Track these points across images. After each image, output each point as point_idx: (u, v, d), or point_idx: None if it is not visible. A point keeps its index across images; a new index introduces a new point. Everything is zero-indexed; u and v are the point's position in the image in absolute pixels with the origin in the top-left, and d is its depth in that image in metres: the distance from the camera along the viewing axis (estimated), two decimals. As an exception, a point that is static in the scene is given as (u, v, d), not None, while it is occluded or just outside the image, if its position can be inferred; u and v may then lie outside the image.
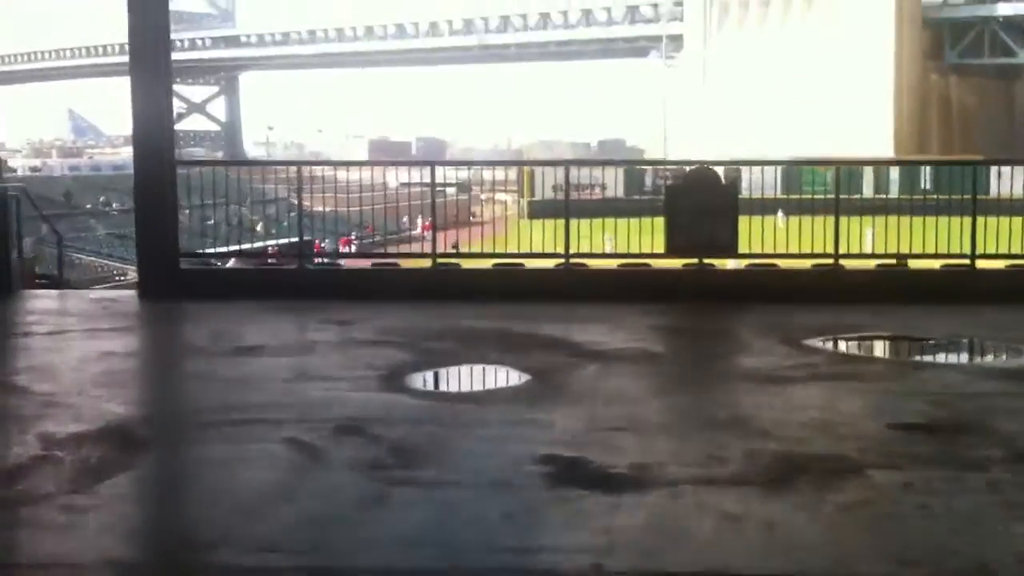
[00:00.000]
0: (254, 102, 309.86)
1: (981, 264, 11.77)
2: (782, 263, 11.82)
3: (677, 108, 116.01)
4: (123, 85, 11.67)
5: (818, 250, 11.77)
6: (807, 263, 11.82)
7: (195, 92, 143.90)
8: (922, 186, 73.07)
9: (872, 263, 11.90)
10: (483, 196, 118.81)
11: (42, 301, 11.25)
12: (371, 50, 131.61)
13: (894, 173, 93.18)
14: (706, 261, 11.69)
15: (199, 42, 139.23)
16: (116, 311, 10.61)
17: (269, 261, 12.19)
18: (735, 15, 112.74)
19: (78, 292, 12.33)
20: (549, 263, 11.94)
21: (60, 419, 6.17)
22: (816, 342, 8.88)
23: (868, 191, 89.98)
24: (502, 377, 7.74)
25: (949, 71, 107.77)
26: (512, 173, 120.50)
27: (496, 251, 12.11)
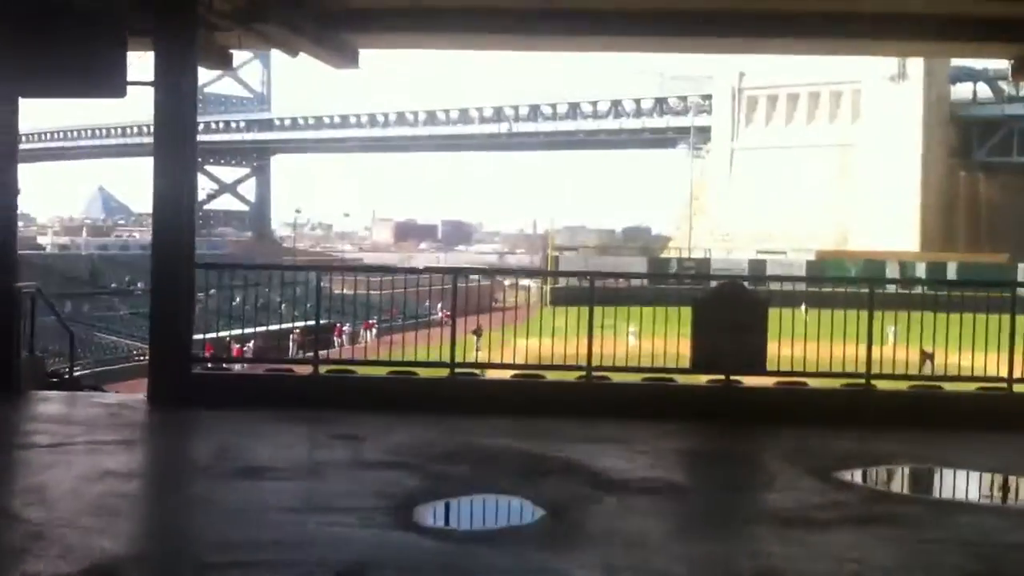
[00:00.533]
0: (284, 183, 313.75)
1: (1019, 388, 11.34)
2: (811, 382, 11.43)
3: (703, 200, 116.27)
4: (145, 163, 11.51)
5: (849, 368, 11.37)
6: (837, 382, 11.43)
7: (227, 173, 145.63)
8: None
9: (905, 384, 11.49)
10: (507, 282, 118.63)
11: (48, 405, 10.95)
12: (401, 135, 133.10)
13: (920, 269, 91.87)
14: (733, 377, 11.33)
15: (233, 124, 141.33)
16: (122, 420, 10.30)
17: (287, 357, 11.76)
18: (763, 110, 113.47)
19: (87, 396, 12.01)
20: (570, 375, 11.60)
21: (45, 556, 5.84)
22: (847, 475, 8.49)
23: (893, 287, 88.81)
24: (517, 512, 7.37)
25: (977, 168, 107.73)
26: (538, 259, 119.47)
27: (516, 362, 11.73)
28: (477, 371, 11.74)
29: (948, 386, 11.45)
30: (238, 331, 59.09)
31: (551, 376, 11.59)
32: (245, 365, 12.72)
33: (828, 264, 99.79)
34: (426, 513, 7.16)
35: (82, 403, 11.18)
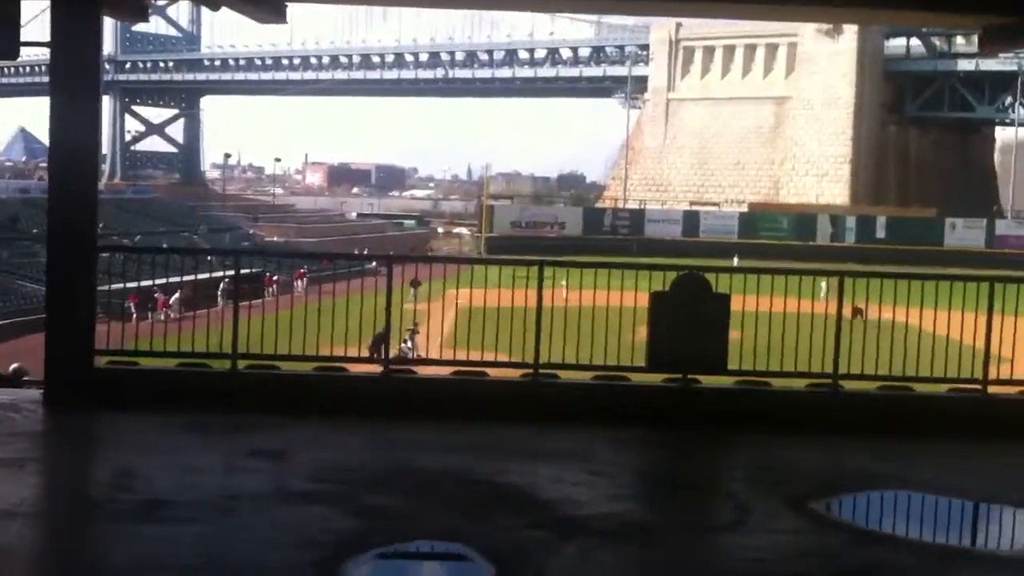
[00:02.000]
0: (214, 125, 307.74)
1: (994, 390, 10.56)
2: (775, 381, 10.54)
3: (639, 150, 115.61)
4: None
5: (815, 365, 10.50)
6: (802, 382, 10.56)
7: (154, 114, 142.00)
8: (877, 235, 72.06)
9: (874, 385, 10.65)
10: (440, 230, 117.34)
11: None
12: (335, 79, 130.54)
13: (850, 222, 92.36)
14: (691, 376, 10.40)
15: (162, 64, 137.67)
16: (8, 429, 9.05)
17: (203, 351, 10.60)
18: (699, 61, 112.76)
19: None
20: (515, 372, 10.60)
21: None
22: (825, 506, 7.61)
23: (824, 239, 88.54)
24: (460, 571, 6.36)
25: (908, 123, 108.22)
26: (472, 207, 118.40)
27: (456, 358, 10.66)
28: (413, 368, 10.68)
29: (919, 387, 10.63)
30: (164, 281, 57.69)
31: (495, 373, 10.57)
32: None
33: (760, 216, 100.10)
34: (358, 573, 6.11)
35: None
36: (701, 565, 6.47)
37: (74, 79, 9.94)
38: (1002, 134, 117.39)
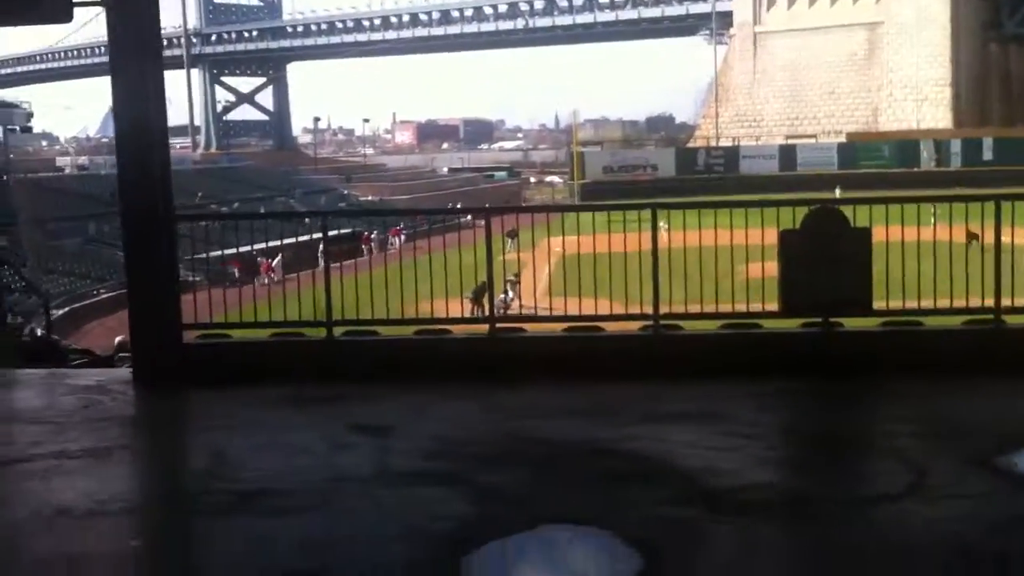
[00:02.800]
0: (303, 91, 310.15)
1: None
2: (928, 320, 9.45)
3: (728, 87, 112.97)
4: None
5: (974, 302, 9.37)
6: (958, 319, 9.44)
7: (243, 84, 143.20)
8: (984, 158, 69.39)
9: (1043, 320, 9.48)
10: (532, 179, 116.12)
11: (13, 393, 9.15)
12: (416, 36, 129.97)
13: (955, 146, 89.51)
14: (832, 320, 9.35)
15: (246, 34, 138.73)
16: (97, 414, 8.42)
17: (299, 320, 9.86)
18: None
19: (59, 374, 10.16)
20: (632, 325, 9.67)
21: None
22: (1015, 463, 6.57)
23: (928, 164, 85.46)
24: (598, 561, 5.49)
25: (1009, 40, 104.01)
26: (562, 155, 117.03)
27: (568, 313, 9.76)
28: (520, 326, 9.81)
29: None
30: (265, 245, 57.71)
31: (610, 327, 9.65)
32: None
33: (860, 146, 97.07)
34: (482, 569, 5.29)
35: (52, 386, 9.34)
36: (883, 543, 5.44)
37: (132, 43, 9.20)
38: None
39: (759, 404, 8.09)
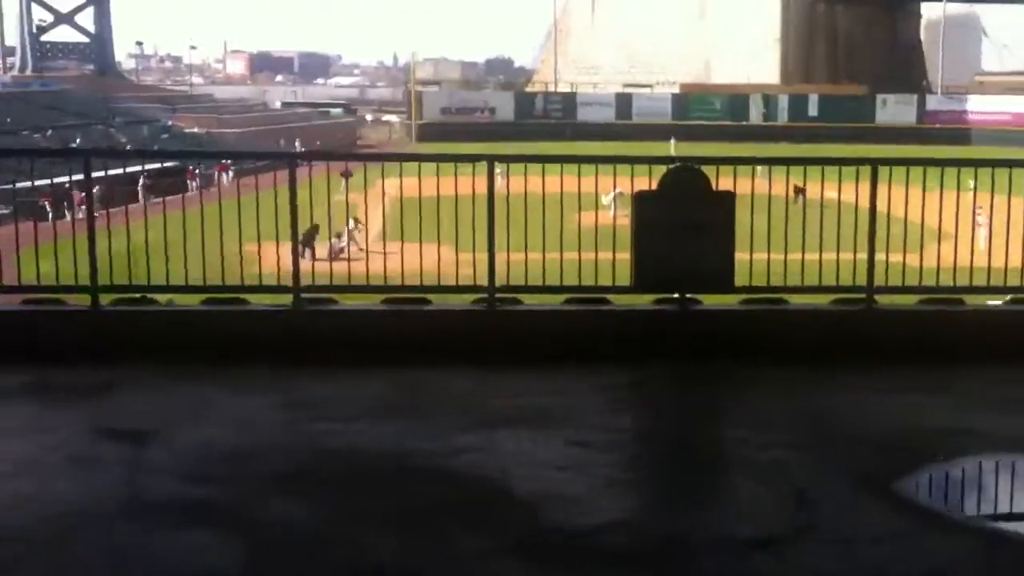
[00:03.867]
0: (126, 13, 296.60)
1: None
2: (793, 298, 8.38)
3: (567, 32, 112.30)
4: None
5: (844, 281, 8.33)
6: (826, 298, 8.41)
7: (62, 3, 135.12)
8: (809, 114, 71.19)
9: (913, 298, 8.52)
10: (369, 118, 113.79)
11: None
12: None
13: (783, 102, 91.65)
14: (689, 296, 8.18)
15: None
16: None
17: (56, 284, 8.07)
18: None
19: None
20: (465, 298, 8.29)
21: None
22: (916, 486, 5.48)
23: (757, 119, 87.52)
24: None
25: (837, 1, 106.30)
26: (400, 94, 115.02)
27: (389, 282, 8.28)
28: (330, 296, 8.27)
29: (970, 300, 8.51)
30: (80, 176, 53.93)
31: (438, 300, 8.25)
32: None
33: (693, 98, 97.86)
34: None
35: None
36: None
37: None
38: (927, 9, 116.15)
39: (610, 402, 6.87)
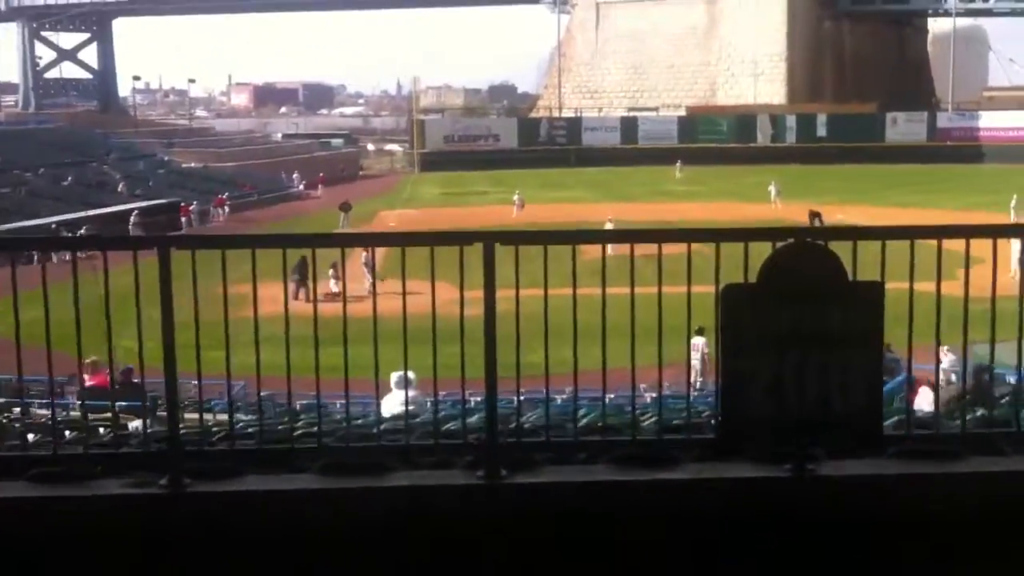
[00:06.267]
0: (130, 49, 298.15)
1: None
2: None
3: (571, 57, 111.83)
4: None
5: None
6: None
7: (66, 40, 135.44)
8: (818, 134, 70.48)
9: None
10: (371, 147, 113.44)
11: None
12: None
13: (790, 121, 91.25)
14: (810, 455, 4.82)
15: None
16: None
17: None
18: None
19: None
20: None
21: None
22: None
23: (765, 140, 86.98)
24: None
25: (843, 18, 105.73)
26: (403, 122, 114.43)
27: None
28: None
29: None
30: (70, 216, 53.17)
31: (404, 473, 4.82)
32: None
33: (700, 120, 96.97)
34: None
35: None
36: None
37: None
38: (934, 25, 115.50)
39: None
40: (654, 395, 5.68)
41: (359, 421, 5.75)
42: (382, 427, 5.33)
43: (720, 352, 4.64)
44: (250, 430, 5.50)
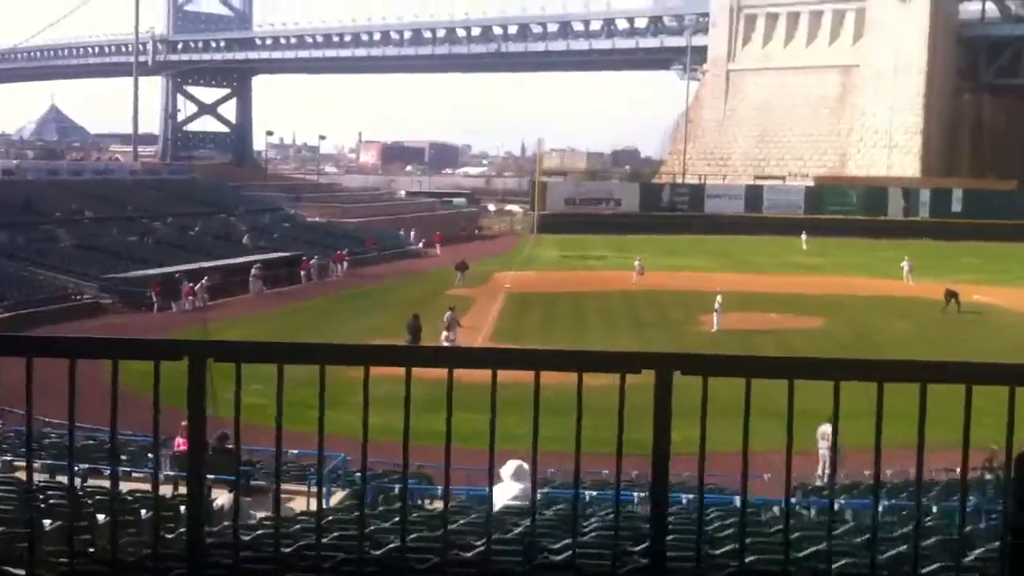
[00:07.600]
0: (266, 105, 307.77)
1: None
2: None
3: (697, 123, 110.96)
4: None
5: None
6: None
7: (207, 94, 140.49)
8: (953, 209, 67.88)
9: None
10: (491, 207, 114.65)
11: None
12: (388, 56, 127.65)
13: (924, 195, 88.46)
14: None
15: (213, 43, 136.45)
16: None
17: None
18: (761, 29, 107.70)
19: None
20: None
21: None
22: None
23: (896, 213, 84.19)
24: None
25: (983, 90, 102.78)
26: (525, 183, 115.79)
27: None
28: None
29: None
30: (193, 265, 54.13)
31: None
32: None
33: (828, 190, 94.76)
34: None
35: None
36: None
37: None
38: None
39: None
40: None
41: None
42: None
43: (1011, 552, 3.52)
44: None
